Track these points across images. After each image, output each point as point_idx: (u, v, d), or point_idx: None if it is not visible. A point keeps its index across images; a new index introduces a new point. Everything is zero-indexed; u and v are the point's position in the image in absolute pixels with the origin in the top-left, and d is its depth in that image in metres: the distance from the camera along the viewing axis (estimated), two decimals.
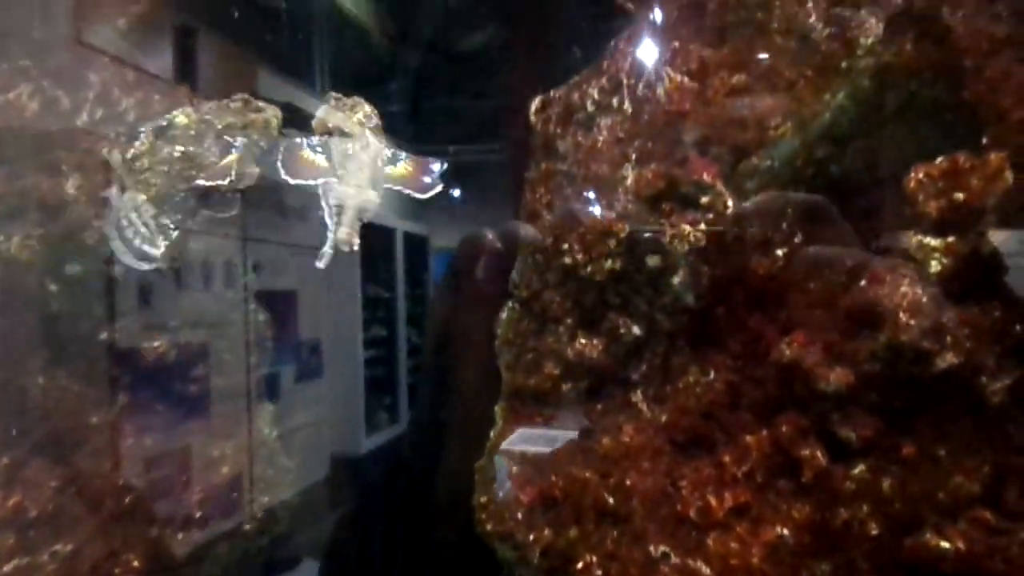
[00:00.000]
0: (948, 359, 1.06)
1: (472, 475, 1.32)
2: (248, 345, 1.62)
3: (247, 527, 1.52)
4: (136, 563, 1.14)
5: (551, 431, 1.32)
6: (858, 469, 1.11)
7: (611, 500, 1.22)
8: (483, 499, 1.25)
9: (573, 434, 1.30)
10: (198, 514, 1.39)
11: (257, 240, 1.75)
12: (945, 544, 1.05)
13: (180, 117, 1.25)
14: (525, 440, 1.32)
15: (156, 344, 1.40)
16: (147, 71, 1.51)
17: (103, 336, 1.32)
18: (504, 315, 1.35)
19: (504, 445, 1.32)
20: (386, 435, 1.82)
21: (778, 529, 1.12)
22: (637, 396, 1.29)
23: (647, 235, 1.18)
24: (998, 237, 1.05)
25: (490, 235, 1.50)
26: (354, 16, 2.17)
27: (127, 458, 1.29)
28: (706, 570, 1.14)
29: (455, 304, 1.56)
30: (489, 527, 1.23)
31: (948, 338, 1.06)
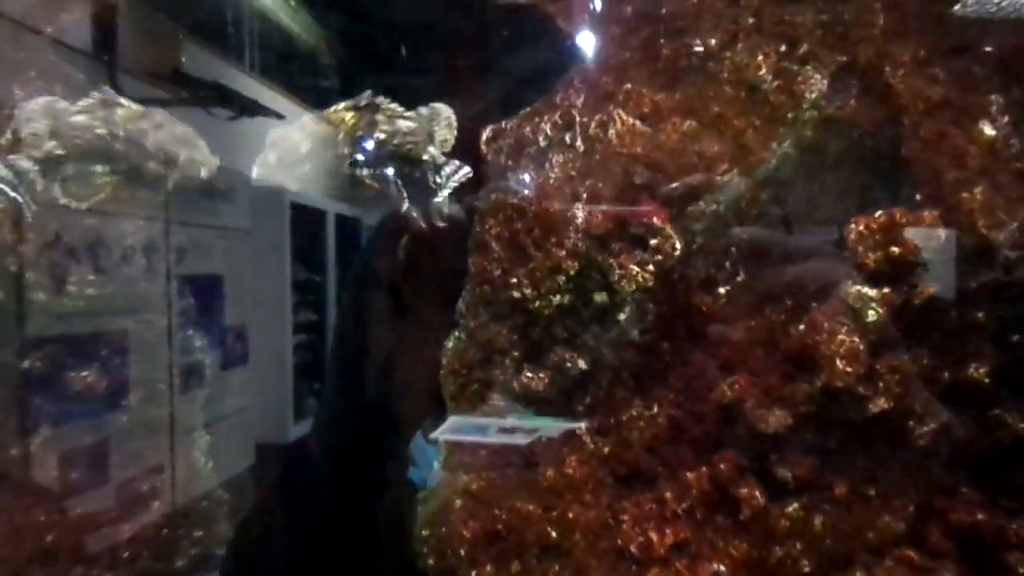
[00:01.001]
0: (880, 404, 1.10)
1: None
2: (171, 332, 1.58)
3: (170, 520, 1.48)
4: None
5: (482, 419, 1.32)
6: (792, 507, 1.14)
7: (553, 533, 1.23)
8: (425, 533, 1.24)
9: (503, 422, 1.30)
10: (117, 512, 1.35)
11: (181, 223, 1.71)
12: None
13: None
14: (455, 429, 1.31)
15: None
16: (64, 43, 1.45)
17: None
18: (450, 344, 1.34)
19: (434, 434, 1.31)
20: None
21: (716, 565, 1.15)
22: (581, 427, 1.29)
23: (595, 273, 1.18)
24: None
25: (414, 214, 1.44)
26: None
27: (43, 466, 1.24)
28: None
29: (371, 299, 1.49)
30: (431, 561, 1.22)
31: (880, 384, 1.10)
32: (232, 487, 1.63)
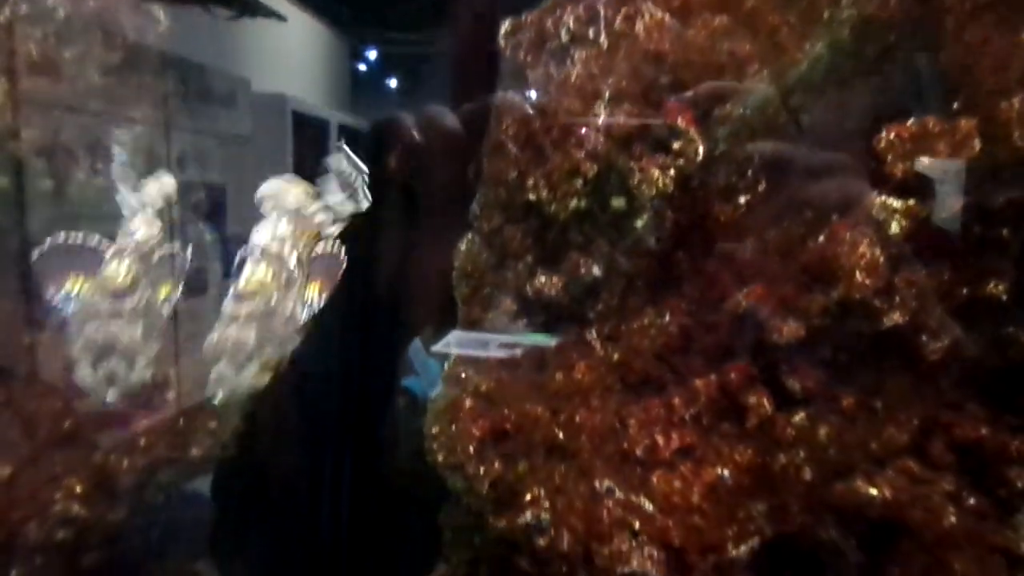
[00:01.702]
0: (894, 318, 1.09)
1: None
2: (172, 238, 1.57)
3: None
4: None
5: (484, 335, 1.33)
6: (799, 417, 1.15)
7: (560, 436, 1.24)
8: (435, 430, 1.26)
9: (505, 338, 1.31)
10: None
11: (182, 129, 1.67)
12: (872, 491, 1.11)
13: None
14: (458, 343, 1.32)
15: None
16: None
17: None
18: (463, 247, 1.33)
19: (436, 347, 1.32)
20: None
21: (720, 470, 1.17)
22: (592, 335, 1.29)
23: (614, 177, 1.16)
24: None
25: (407, 121, 1.41)
26: None
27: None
28: (648, 506, 1.18)
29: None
30: (440, 457, 1.24)
31: (897, 298, 1.09)
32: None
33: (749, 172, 1.21)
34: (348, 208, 1.25)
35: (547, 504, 1.19)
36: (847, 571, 1.16)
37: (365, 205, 1.25)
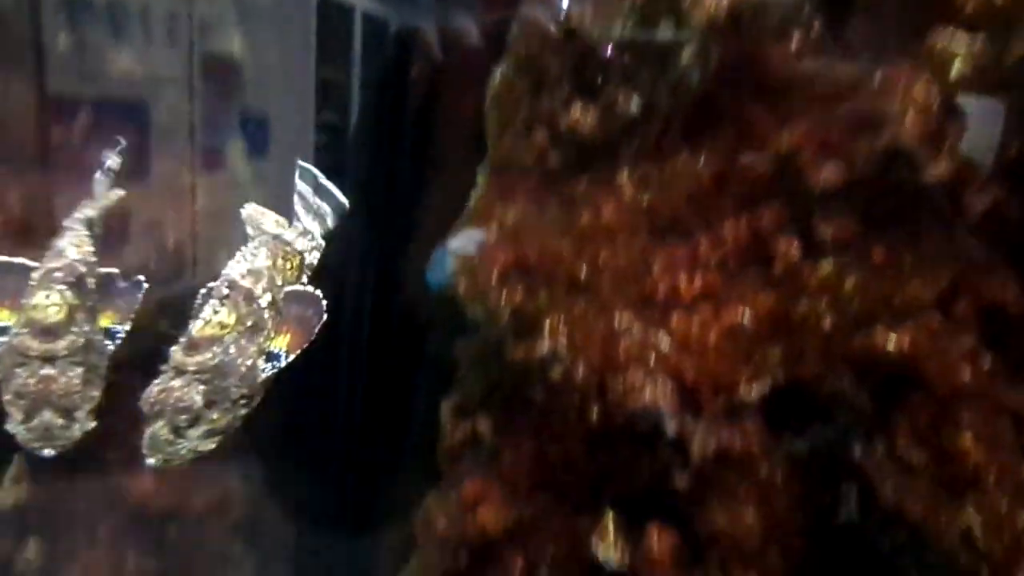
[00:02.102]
0: (940, 168, 1.06)
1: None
2: (191, 110, 1.52)
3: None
4: None
5: None
6: (826, 266, 1.14)
7: (583, 272, 1.24)
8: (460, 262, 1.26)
9: None
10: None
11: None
12: (891, 343, 1.11)
13: None
14: (471, 240, 1.30)
15: None
16: None
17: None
18: (497, 74, 1.28)
19: (450, 243, 1.31)
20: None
21: (740, 313, 1.17)
22: (623, 175, 1.27)
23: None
24: None
25: (430, 35, 1.37)
26: None
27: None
28: (665, 343, 1.19)
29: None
30: (463, 287, 1.25)
31: (945, 147, 1.06)
32: None
33: (805, 11, 1.15)
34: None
35: (565, 335, 1.21)
36: (854, 421, 1.18)
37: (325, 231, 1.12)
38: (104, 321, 0.94)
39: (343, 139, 1.73)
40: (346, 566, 1.50)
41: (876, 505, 1.19)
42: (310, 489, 1.50)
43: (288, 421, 1.51)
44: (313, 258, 1.07)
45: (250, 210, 1.13)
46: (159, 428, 0.81)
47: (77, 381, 0.85)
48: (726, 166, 1.21)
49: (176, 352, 0.85)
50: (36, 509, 1.24)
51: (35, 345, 0.85)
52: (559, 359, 1.22)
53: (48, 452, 0.85)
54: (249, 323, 0.88)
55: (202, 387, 0.82)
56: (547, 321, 1.21)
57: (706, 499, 1.23)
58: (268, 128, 1.69)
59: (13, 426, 0.85)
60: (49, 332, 0.86)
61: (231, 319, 0.87)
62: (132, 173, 1.22)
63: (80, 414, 0.86)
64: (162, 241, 1.46)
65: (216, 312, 0.88)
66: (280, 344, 0.89)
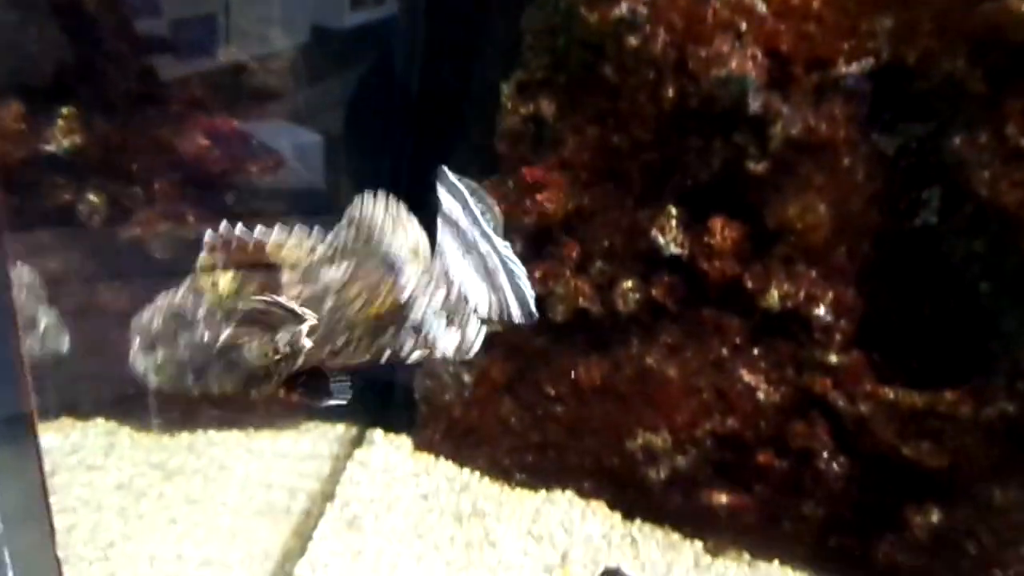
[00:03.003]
0: None
1: None
2: None
3: None
4: None
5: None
6: None
7: None
8: None
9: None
10: None
11: None
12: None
13: None
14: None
15: None
16: None
17: None
18: None
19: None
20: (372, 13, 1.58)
21: None
22: None
23: None
24: None
25: None
26: None
27: None
28: (762, 7, 1.07)
29: None
30: None
31: None
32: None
33: None
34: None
35: None
36: (960, 108, 1.07)
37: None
38: None
39: None
40: None
41: (961, 207, 1.12)
42: (362, 165, 1.46)
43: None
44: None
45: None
46: None
47: None
48: None
49: None
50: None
51: None
52: (638, 24, 1.10)
53: None
54: None
55: None
56: None
57: (778, 189, 1.17)
58: None
59: None
60: None
61: None
62: None
63: None
64: None
65: None
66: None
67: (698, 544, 1.31)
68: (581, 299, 1.30)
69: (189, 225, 1.26)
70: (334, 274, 0.69)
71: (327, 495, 1.39)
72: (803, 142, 1.13)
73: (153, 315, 0.69)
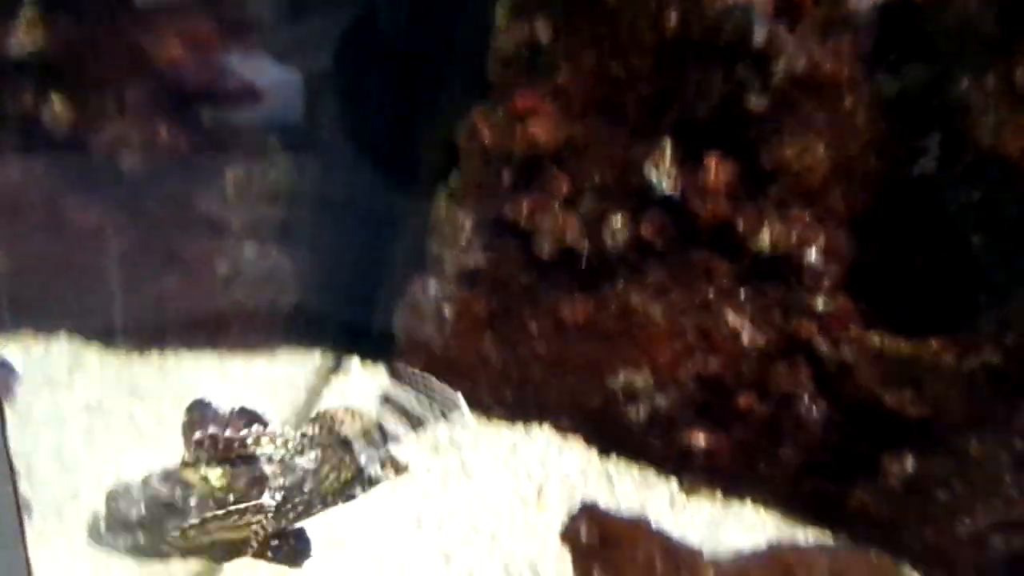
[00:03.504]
0: None
1: None
2: None
3: None
4: None
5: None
6: None
7: None
8: None
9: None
10: None
11: None
12: None
13: None
14: None
15: None
16: None
17: None
18: None
19: None
20: None
21: None
22: None
23: None
24: None
25: None
26: None
27: None
28: None
29: None
30: None
31: None
32: None
33: None
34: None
35: None
36: (968, 54, 1.03)
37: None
38: None
39: None
40: (383, 179, 1.45)
41: (961, 155, 1.10)
42: (346, 100, 1.40)
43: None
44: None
45: None
46: None
47: None
48: None
49: None
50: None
51: None
52: None
53: None
54: None
55: None
56: None
57: (777, 128, 1.13)
58: None
59: None
60: None
61: None
62: None
63: None
64: None
65: None
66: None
67: (673, 483, 1.31)
68: (568, 234, 1.26)
69: (162, 138, 1.19)
70: (307, 464, 0.89)
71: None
72: (806, 79, 1.09)
73: (130, 505, 0.81)
